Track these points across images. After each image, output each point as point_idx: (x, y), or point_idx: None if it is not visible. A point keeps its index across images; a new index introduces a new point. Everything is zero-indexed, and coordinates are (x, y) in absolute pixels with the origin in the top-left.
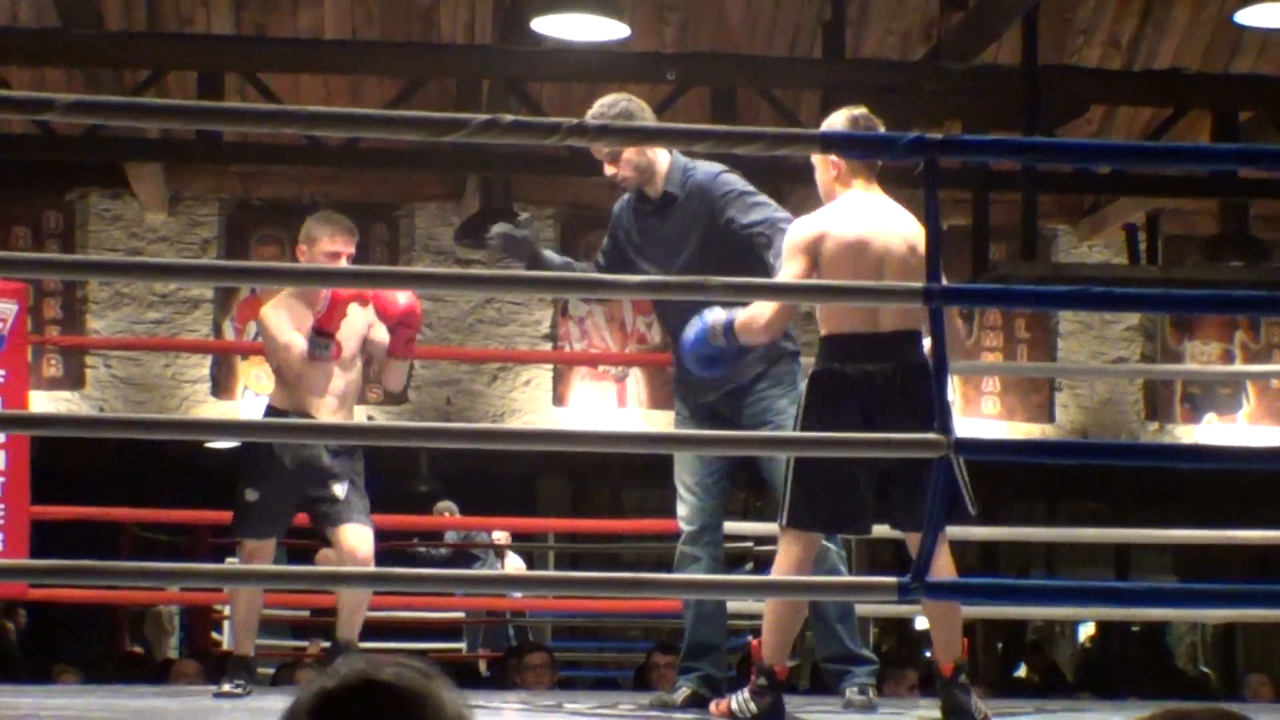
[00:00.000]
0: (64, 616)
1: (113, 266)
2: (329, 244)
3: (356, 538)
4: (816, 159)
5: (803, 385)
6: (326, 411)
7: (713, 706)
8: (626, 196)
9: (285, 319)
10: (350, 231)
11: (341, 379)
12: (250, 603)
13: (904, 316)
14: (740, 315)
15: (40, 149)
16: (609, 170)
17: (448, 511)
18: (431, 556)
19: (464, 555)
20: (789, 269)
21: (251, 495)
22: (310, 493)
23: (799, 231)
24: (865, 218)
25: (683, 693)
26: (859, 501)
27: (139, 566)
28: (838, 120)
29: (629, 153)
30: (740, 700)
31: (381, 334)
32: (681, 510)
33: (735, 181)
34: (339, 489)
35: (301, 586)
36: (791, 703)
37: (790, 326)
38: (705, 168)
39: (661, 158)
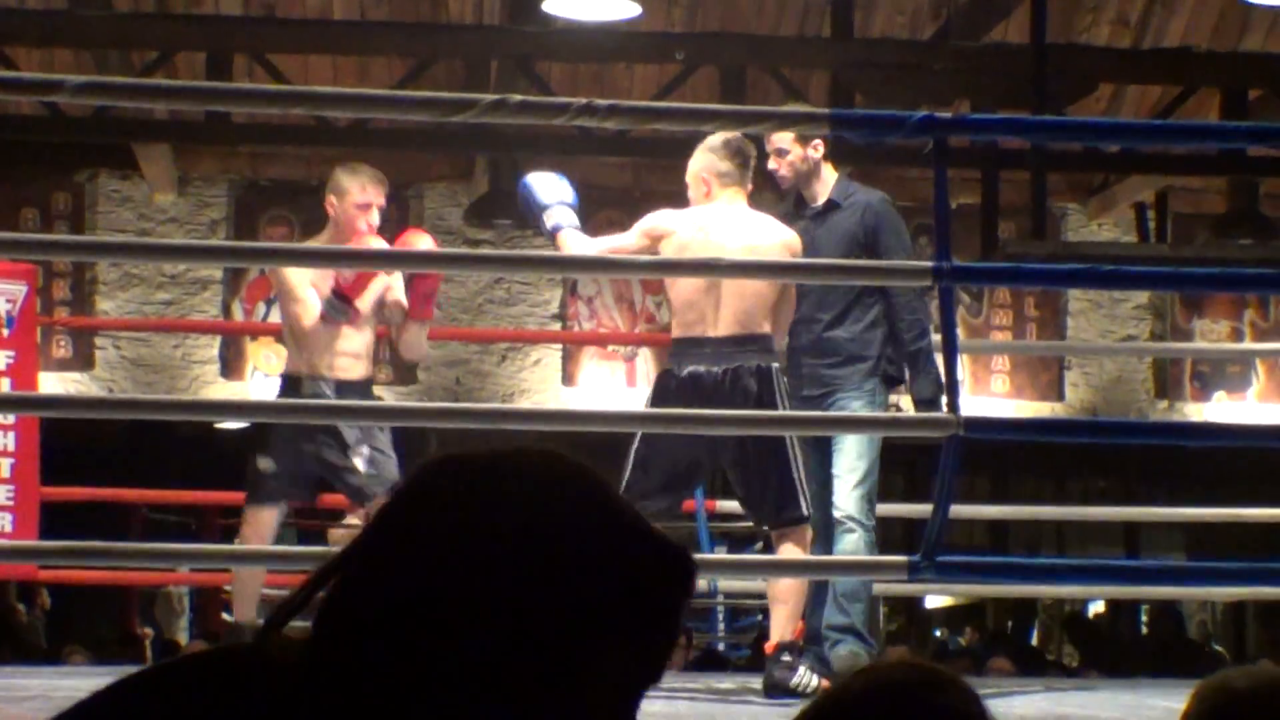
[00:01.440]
0: (75, 598)
1: (122, 247)
2: (360, 194)
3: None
4: (689, 177)
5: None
6: (340, 371)
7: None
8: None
9: (304, 274)
10: (380, 181)
11: (357, 338)
12: (252, 572)
13: (740, 322)
14: (564, 235)
15: (49, 130)
16: (770, 164)
17: None
18: None
19: None
20: (625, 240)
21: (265, 464)
22: (330, 460)
23: (656, 218)
24: (711, 226)
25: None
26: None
27: (148, 547)
28: (712, 140)
29: (796, 155)
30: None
31: (399, 296)
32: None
33: (897, 217)
34: (359, 460)
35: (310, 567)
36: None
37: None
38: (871, 190)
39: (825, 170)
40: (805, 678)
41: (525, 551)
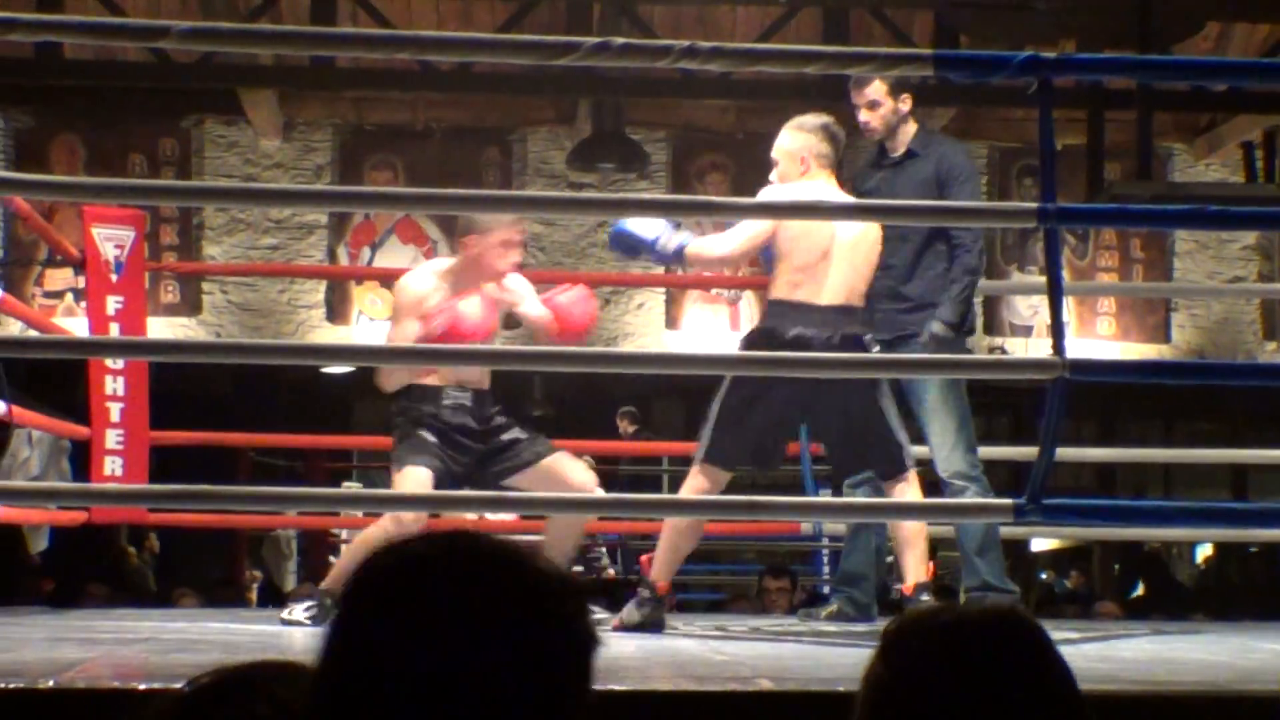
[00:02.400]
0: (184, 542)
1: (228, 192)
2: (503, 232)
3: (568, 464)
4: (783, 155)
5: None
6: (475, 381)
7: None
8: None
9: (415, 302)
10: (519, 221)
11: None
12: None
13: (847, 292)
14: (695, 244)
15: (156, 77)
16: (862, 117)
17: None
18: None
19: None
20: (756, 225)
21: (429, 435)
22: (498, 441)
23: (776, 194)
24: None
25: (830, 608)
26: (772, 444)
27: (256, 491)
28: (809, 122)
29: (888, 107)
30: (626, 611)
31: (533, 310)
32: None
33: (972, 168)
34: (516, 430)
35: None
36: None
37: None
38: (952, 141)
39: (910, 123)
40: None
41: (449, 640)
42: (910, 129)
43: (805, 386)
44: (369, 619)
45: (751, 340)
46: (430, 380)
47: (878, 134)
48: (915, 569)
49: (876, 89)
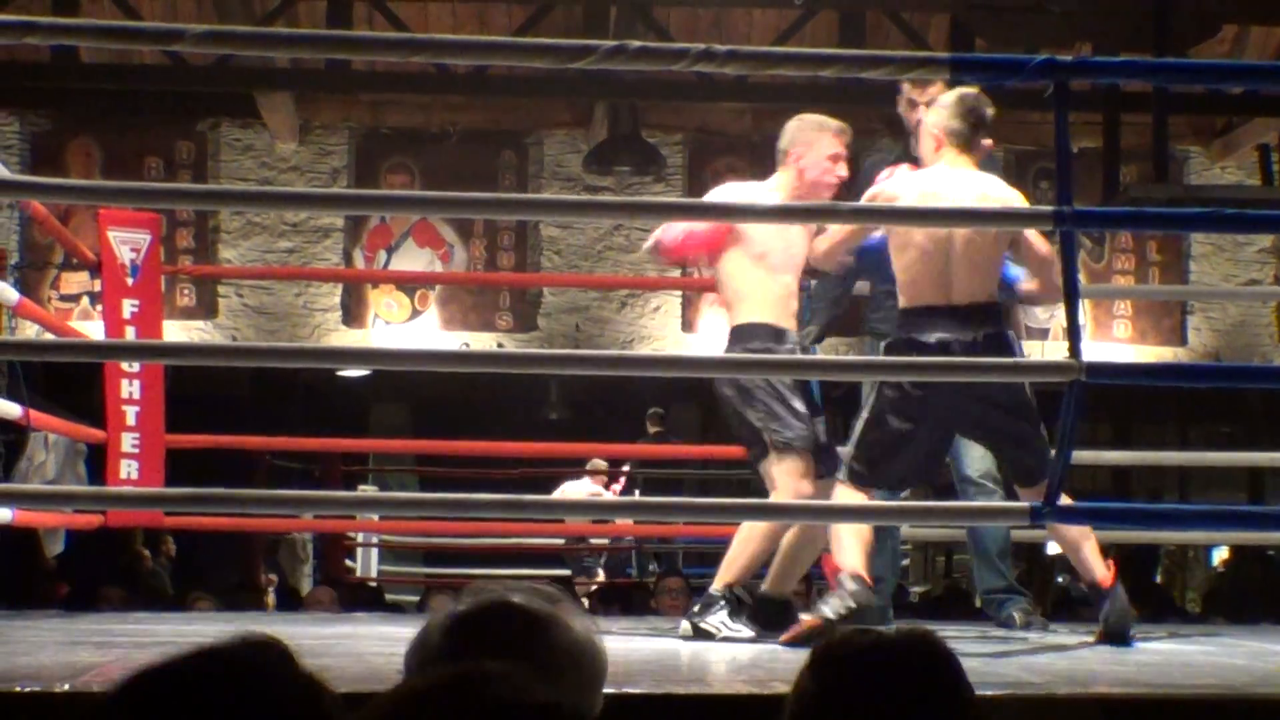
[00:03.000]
0: (200, 545)
1: (244, 196)
2: (832, 145)
3: (780, 466)
4: (922, 134)
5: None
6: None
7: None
8: (880, 156)
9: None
10: (844, 132)
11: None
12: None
13: (977, 290)
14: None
15: (171, 80)
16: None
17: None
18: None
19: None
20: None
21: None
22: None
23: (878, 188)
24: (940, 189)
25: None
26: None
27: (272, 494)
28: (949, 98)
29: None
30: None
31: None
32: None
33: (992, 163)
34: (819, 426)
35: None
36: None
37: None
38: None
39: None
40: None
41: None
42: None
43: (958, 399)
44: None
45: (893, 350)
46: None
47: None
48: (1095, 566)
49: (938, 88)
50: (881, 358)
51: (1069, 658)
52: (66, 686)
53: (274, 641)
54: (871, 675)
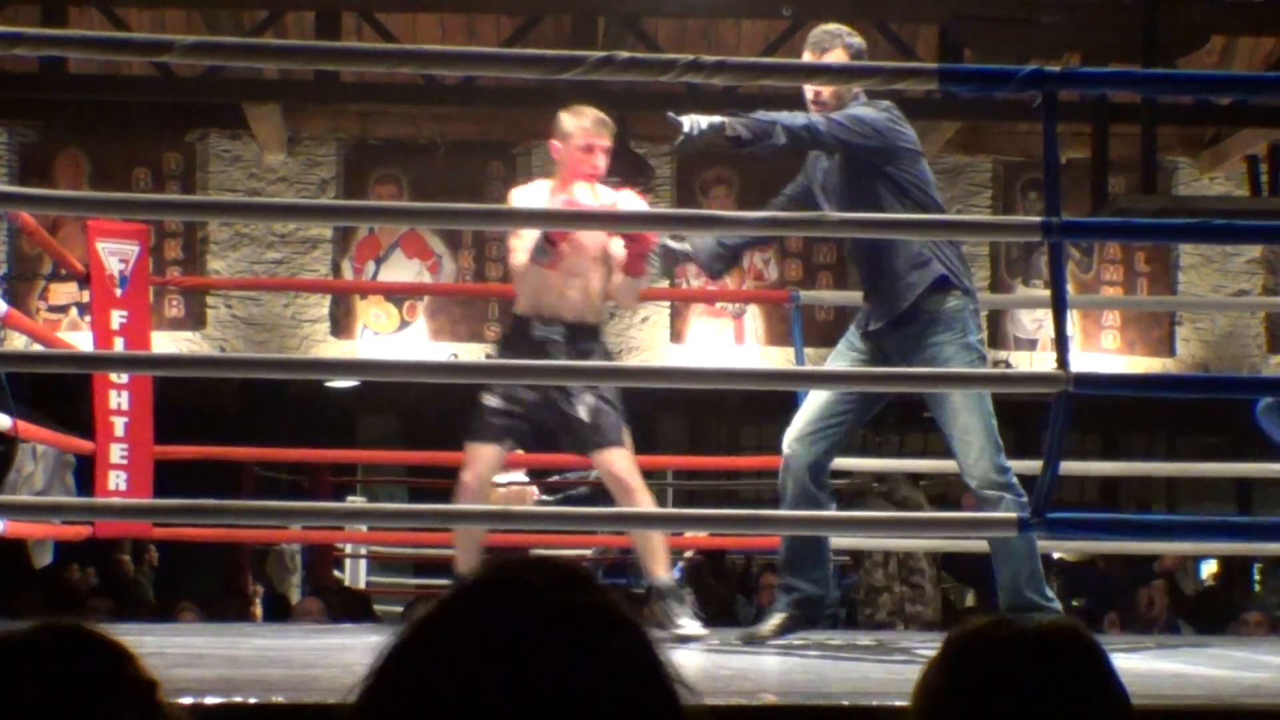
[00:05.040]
0: (185, 555)
1: (232, 207)
2: (583, 137)
3: (613, 464)
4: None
5: (975, 332)
6: (568, 312)
7: None
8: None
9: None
10: (605, 123)
11: (579, 286)
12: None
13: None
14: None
15: (160, 91)
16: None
17: None
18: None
19: (602, 493)
20: None
21: (489, 399)
22: (559, 405)
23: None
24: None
25: (772, 623)
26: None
27: (261, 505)
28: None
29: (828, 92)
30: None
31: (619, 249)
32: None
33: (855, 106)
34: (582, 409)
35: (427, 525)
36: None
37: (961, 266)
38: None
39: (856, 100)
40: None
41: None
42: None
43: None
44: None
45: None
46: None
47: (829, 109)
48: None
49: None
50: (871, 369)
51: None
52: None
53: (76, 626)
54: (1014, 671)
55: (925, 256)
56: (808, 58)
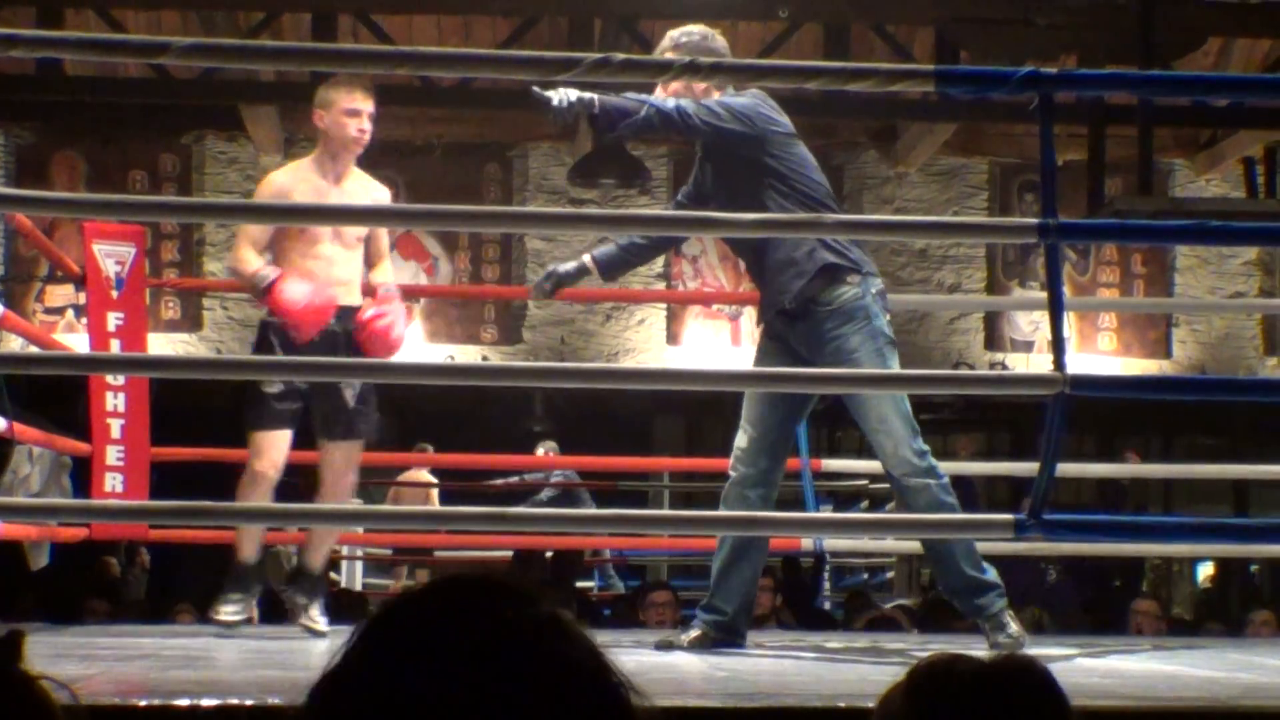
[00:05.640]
0: (179, 556)
1: (229, 209)
2: (349, 101)
3: (352, 456)
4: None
5: (879, 316)
6: (343, 293)
7: None
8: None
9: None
10: (368, 88)
11: (350, 264)
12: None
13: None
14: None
15: (156, 92)
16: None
17: (550, 451)
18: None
19: (569, 495)
20: None
21: (269, 385)
22: (326, 390)
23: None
24: None
25: (692, 634)
26: None
27: (258, 507)
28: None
29: (675, 85)
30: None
31: (383, 246)
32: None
33: (724, 95)
34: (349, 393)
35: (423, 526)
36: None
37: (853, 247)
38: None
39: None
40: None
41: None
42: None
43: None
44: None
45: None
46: None
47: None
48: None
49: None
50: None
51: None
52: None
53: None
54: (972, 703)
55: (809, 245)
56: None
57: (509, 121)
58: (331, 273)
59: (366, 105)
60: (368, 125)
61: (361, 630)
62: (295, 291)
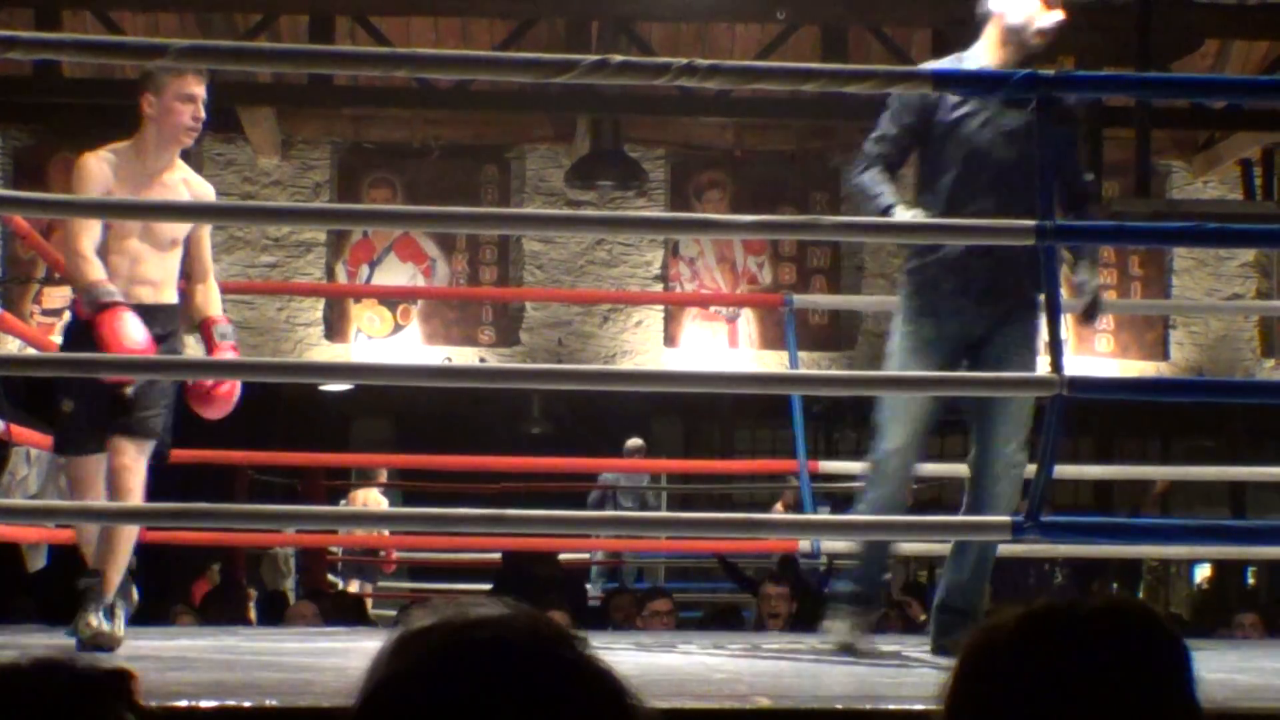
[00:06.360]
0: (175, 559)
1: (226, 210)
2: (182, 85)
3: (132, 451)
4: None
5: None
6: (147, 298)
7: None
8: None
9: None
10: (200, 72)
11: (160, 264)
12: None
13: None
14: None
15: None
16: None
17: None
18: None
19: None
20: None
21: (68, 405)
22: (110, 390)
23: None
24: None
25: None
26: None
27: (255, 509)
28: None
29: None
30: None
31: (205, 252)
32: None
33: None
34: (130, 387)
35: (421, 528)
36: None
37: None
38: None
39: None
40: None
41: None
42: None
43: None
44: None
45: None
46: None
47: None
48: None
49: None
50: (860, 373)
51: None
52: None
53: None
54: (1095, 644)
55: None
56: None
57: (506, 123)
58: (136, 270)
59: (199, 90)
60: (202, 114)
61: (395, 651)
62: (135, 334)
